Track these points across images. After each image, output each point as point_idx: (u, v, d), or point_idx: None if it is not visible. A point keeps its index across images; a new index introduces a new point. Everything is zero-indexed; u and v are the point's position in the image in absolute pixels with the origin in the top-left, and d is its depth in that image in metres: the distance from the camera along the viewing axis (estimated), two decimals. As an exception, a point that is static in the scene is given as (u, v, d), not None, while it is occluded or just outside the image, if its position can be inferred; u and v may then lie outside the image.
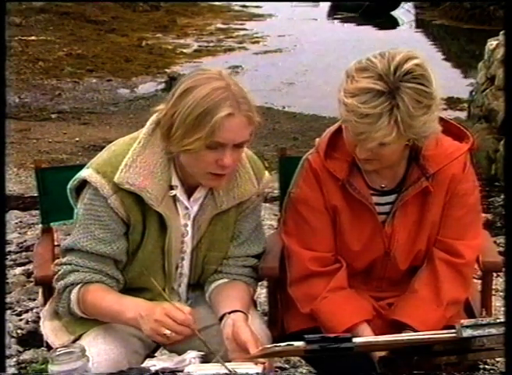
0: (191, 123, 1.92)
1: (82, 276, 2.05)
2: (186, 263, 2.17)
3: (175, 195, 2.07)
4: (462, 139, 2.16)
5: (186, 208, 2.10)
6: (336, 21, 18.07)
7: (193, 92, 1.93)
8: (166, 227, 2.06)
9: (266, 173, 2.24)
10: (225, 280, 2.18)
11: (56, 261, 2.13)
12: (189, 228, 2.12)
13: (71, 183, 2.11)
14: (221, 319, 2.04)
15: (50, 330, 2.16)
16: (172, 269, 2.14)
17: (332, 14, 18.69)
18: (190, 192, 2.11)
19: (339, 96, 1.97)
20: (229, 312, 2.02)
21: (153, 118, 2.07)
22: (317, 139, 2.24)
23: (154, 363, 1.85)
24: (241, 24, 16.79)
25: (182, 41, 14.68)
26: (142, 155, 2.02)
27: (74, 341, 2.06)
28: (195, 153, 1.96)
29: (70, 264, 2.06)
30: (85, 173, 2.04)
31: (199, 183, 2.08)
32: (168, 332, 1.85)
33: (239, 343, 1.92)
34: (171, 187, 2.06)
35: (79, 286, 2.05)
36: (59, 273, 2.08)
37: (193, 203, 2.11)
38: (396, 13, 18.51)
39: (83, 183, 2.06)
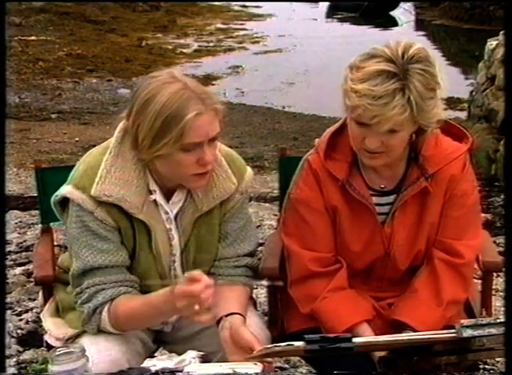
0: (158, 130, 1.89)
1: (109, 293, 2.00)
2: (177, 265, 2.14)
3: (155, 200, 2.05)
4: (461, 139, 2.16)
5: (167, 212, 2.08)
6: (335, 21, 18.09)
7: (152, 102, 1.89)
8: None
9: (248, 169, 2.19)
10: (221, 282, 2.15)
11: (75, 291, 2.05)
12: (173, 232, 2.10)
13: (54, 199, 2.08)
14: (218, 321, 2.03)
15: (52, 324, 2.16)
16: (165, 271, 2.12)
17: (330, 14, 18.71)
18: (169, 196, 2.08)
19: (346, 87, 1.97)
20: (226, 315, 2.02)
21: (120, 125, 2.03)
22: (317, 139, 2.23)
23: (154, 363, 1.84)
24: (241, 24, 16.81)
25: (182, 41, 14.69)
26: (115, 164, 2.00)
27: (76, 337, 2.06)
28: (171, 159, 1.93)
29: (93, 286, 2.01)
30: (65, 191, 2.02)
31: (178, 186, 2.06)
32: (197, 307, 1.79)
33: (242, 343, 1.92)
34: (150, 192, 2.04)
35: (108, 304, 2.01)
36: (83, 297, 2.02)
37: (173, 206, 2.08)
38: (395, 13, 18.52)
39: (66, 198, 2.03)
